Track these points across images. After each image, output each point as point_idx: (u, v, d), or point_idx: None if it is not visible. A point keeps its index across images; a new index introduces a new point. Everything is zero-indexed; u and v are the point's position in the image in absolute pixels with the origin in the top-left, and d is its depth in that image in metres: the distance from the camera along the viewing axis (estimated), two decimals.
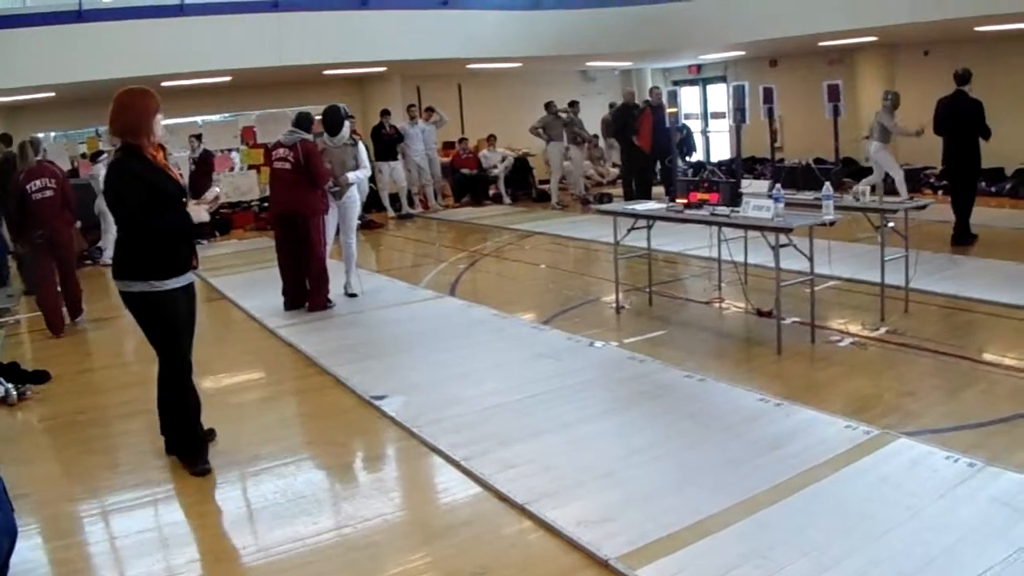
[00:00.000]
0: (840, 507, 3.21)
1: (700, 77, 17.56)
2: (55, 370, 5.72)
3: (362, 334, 6.40)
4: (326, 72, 12.77)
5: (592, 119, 14.63)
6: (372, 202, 12.21)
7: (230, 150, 13.57)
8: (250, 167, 13.27)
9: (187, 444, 4.05)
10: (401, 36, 11.98)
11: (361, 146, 7.49)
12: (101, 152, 10.73)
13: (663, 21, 13.10)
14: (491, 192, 14.63)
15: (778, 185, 5.45)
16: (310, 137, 6.92)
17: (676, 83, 17.58)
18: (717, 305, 6.66)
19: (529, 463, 3.79)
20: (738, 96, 7.96)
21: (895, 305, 5.98)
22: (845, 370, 4.98)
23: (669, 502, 3.34)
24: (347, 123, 7.24)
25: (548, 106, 13.35)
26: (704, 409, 4.38)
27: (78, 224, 7.49)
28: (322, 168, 6.84)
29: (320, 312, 7.00)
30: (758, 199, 5.40)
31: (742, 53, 14.65)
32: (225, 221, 12.83)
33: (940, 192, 11.23)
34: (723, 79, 16.65)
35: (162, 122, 3.87)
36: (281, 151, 6.89)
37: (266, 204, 11.70)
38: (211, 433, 4.28)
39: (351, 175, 7.19)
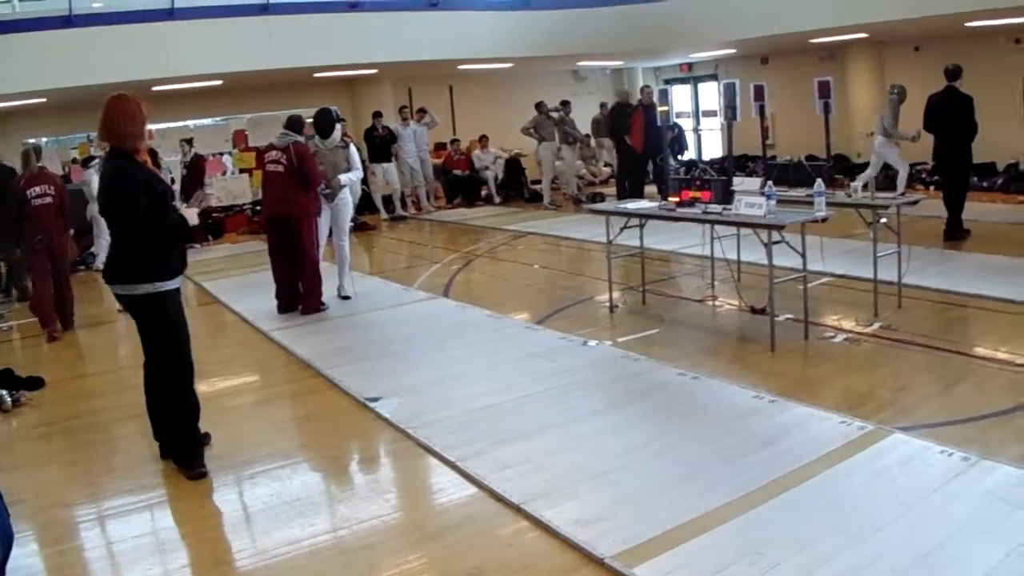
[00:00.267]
0: (835, 503, 3.22)
1: (691, 75, 17.60)
2: (49, 376, 5.71)
3: (356, 336, 6.40)
4: (316, 75, 12.74)
5: (583, 119, 14.65)
6: (365, 204, 12.19)
7: (221, 154, 13.53)
8: (241, 171, 13.24)
9: (184, 447, 4.04)
10: (391, 38, 11.96)
11: (353, 148, 7.52)
12: (92, 158, 10.68)
13: (654, 20, 13.10)
14: (483, 193, 14.64)
15: (770, 182, 5.46)
16: (303, 139, 6.92)
17: (667, 81, 17.64)
18: (710, 303, 6.67)
19: (524, 463, 3.79)
20: (729, 94, 7.97)
21: (888, 301, 6.00)
22: (839, 366, 5.00)
23: (664, 500, 3.35)
24: (338, 126, 7.25)
25: (539, 106, 13.34)
26: (698, 407, 4.39)
27: (71, 231, 7.54)
28: (315, 170, 6.84)
29: (314, 315, 6.99)
30: (750, 196, 5.41)
31: (733, 51, 14.67)
32: (218, 225, 12.80)
33: (932, 188, 11.29)
34: (714, 77, 16.67)
35: (150, 127, 3.89)
36: (274, 153, 6.88)
37: (258, 207, 11.67)
38: (206, 437, 4.27)
39: (343, 177, 7.19)
